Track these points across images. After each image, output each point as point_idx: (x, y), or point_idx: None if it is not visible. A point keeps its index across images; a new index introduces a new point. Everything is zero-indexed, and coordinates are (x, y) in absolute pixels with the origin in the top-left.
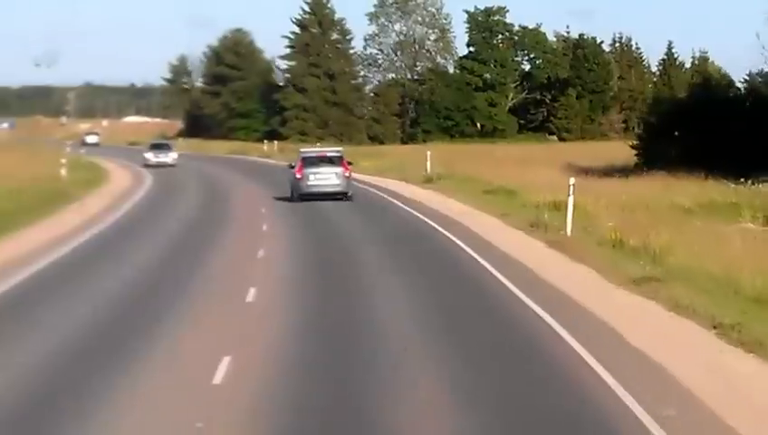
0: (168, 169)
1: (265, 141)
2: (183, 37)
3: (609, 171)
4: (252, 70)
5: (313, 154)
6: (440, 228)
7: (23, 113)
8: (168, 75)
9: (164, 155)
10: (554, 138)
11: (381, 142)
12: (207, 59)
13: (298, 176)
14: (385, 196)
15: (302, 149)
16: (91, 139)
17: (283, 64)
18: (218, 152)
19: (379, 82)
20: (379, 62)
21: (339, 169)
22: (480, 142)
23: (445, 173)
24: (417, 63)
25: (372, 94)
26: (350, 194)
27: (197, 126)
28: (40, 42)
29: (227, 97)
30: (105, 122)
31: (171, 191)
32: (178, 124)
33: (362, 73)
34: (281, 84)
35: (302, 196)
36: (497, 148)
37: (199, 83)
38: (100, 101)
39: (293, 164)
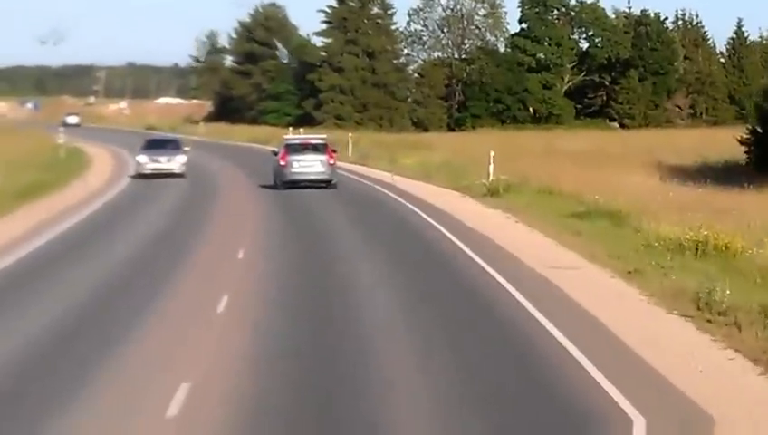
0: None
1: (291, 129)
2: (228, 14)
3: (713, 173)
4: (285, 47)
5: (297, 141)
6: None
7: (60, 93)
8: (196, 53)
9: (166, 159)
10: (615, 124)
11: (425, 129)
12: (237, 35)
13: (282, 163)
14: (438, 225)
15: (285, 136)
16: (71, 119)
17: (319, 41)
18: (240, 139)
19: (423, 61)
20: (424, 39)
21: (323, 157)
22: (533, 129)
23: (511, 179)
24: (465, 41)
25: (416, 75)
26: (334, 182)
27: (227, 109)
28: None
29: (258, 77)
30: (124, 104)
31: (141, 203)
32: (209, 106)
33: (405, 52)
34: (316, 63)
35: (285, 183)
36: (555, 136)
37: (230, 62)
38: (142, 81)
39: (277, 150)
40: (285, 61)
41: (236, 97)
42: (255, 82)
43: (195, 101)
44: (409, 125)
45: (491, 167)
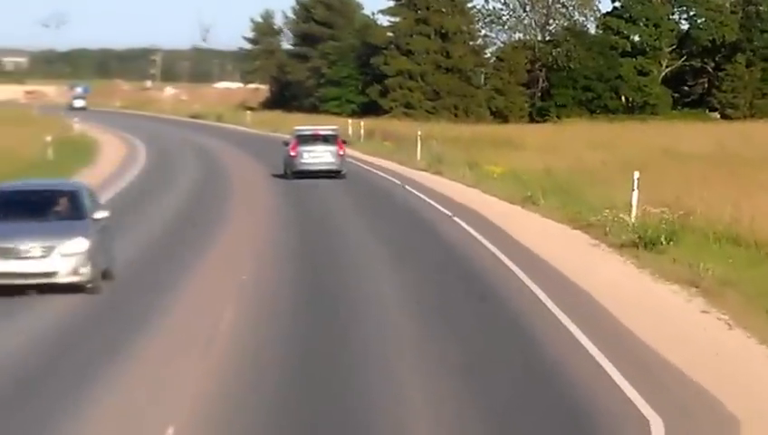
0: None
1: (350, 120)
2: None
3: None
4: (347, 28)
5: (308, 132)
6: None
7: (123, 77)
8: (251, 35)
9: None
10: (716, 114)
11: (504, 119)
12: (295, 15)
13: (292, 153)
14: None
15: (296, 127)
16: (78, 103)
17: (385, 21)
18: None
19: (503, 43)
20: (504, 19)
21: (333, 148)
22: (626, 120)
23: (666, 212)
24: (551, 21)
25: (495, 59)
26: (343, 172)
27: (283, 95)
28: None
29: (317, 61)
30: (169, 88)
31: None
32: (265, 92)
33: (482, 33)
34: (382, 45)
35: (295, 173)
36: (655, 129)
37: (287, 45)
38: (206, 65)
39: (288, 141)
40: (347, 42)
41: (293, 82)
42: (314, 65)
43: (251, 85)
44: (487, 115)
45: (634, 196)
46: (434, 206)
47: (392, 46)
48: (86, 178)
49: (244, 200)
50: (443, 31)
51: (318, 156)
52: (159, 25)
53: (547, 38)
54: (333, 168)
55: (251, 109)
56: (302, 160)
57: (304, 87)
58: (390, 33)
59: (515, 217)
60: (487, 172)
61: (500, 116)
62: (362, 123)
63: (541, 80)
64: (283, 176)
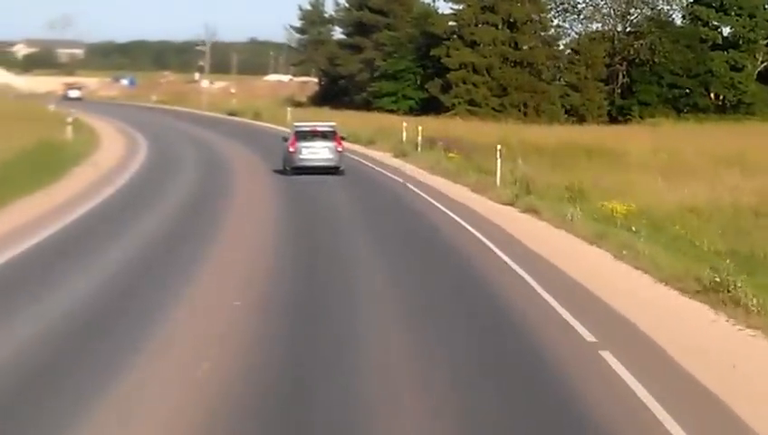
0: None
1: (404, 123)
2: None
3: None
4: (404, 16)
5: (307, 128)
6: None
7: (182, 70)
8: (299, 24)
9: None
10: None
11: (581, 118)
12: (347, 1)
13: (291, 149)
14: None
15: (295, 123)
16: (73, 93)
17: (447, 8)
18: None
19: (578, 34)
20: (579, 7)
21: (332, 144)
22: (718, 120)
23: None
24: (632, 11)
25: (569, 51)
26: (341, 168)
27: (333, 89)
28: None
29: (370, 52)
30: (206, 82)
31: None
32: (313, 85)
33: (555, 23)
34: (443, 36)
35: (294, 169)
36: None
37: (338, 34)
38: (263, 57)
39: (287, 137)
40: (405, 32)
41: (345, 76)
42: (367, 57)
43: (302, 78)
44: (561, 114)
45: None
46: (573, 326)
47: (455, 36)
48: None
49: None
50: (511, 20)
51: (316, 152)
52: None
53: (628, 29)
54: (332, 164)
55: (299, 104)
56: (301, 156)
57: (356, 81)
58: (453, 22)
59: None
60: (605, 212)
61: (575, 115)
62: (420, 128)
63: (621, 75)
64: (283, 172)
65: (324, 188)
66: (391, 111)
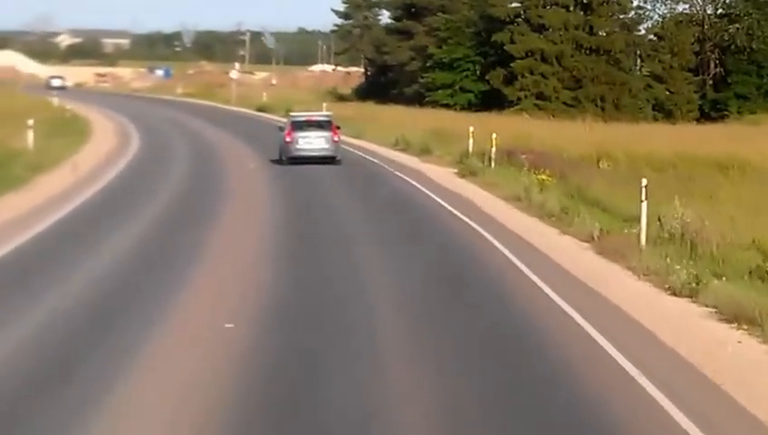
0: None
1: (471, 129)
2: None
3: None
4: None
5: (303, 118)
6: None
7: (226, 60)
8: (342, 9)
9: None
10: None
11: (668, 114)
12: None
13: (288, 139)
14: None
15: (291, 113)
16: (56, 82)
17: None
18: (381, 139)
19: (662, 17)
20: None
21: (328, 134)
22: None
23: None
24: None
25: (652, 37)
26: (338, 158)
27: (381, 81)
28: None
29: (422, 38)
30: (234, 72)
31: None
32: (359, 75)
33: (636, 4)
34: (506, 19)
35: (290, 159)
36: None
37: (386, 19)
38: (311, 47)
39: (283, 127)
40: (462, 15)
41: (393, 65)
42: (419, 44)
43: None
44: (647, 109)
45: None
46: None
47: (520, 20)
48: None
49: None
50: (585, 1)
51: (313, 142)
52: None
53: (720, 11)
54: (328, 153)
55: (341, 97)
56: (298, 146)
57: (407, 71)
58: (517, 4)
59: None
60: None
61: (660, 110)
62: (494, 136)
63: (713, 64)
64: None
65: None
66: (446, 106)
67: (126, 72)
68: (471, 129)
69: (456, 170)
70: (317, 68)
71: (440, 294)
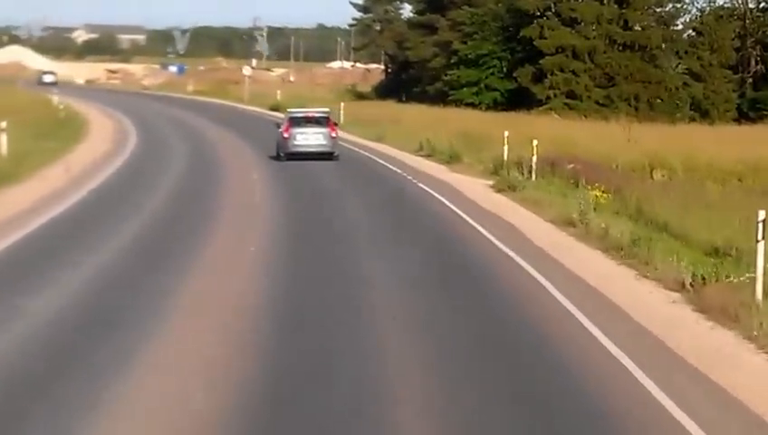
0: None
1: (506, 133)
2: None
3: None
4: None
5: (300, 114)
6: None
7: (246, 57)
8: (361, 1)
9: None
10: None
11: (704, 115)
12: None
13: (285, 136)
14: None
15: (289, 109)
16: (47, 78)
17: None
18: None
19: (700, 12)
20: None
21: (325, 130)
22: None
23: None
24: None
25: (690, 32)
26: (335, 154)
27: (402, 78)
28: None
29: (446, 33)
30: (248, 69)
31: None
32: (379, 73)
33: None
34: (535, 12)
35: (288, 155)
36: None
37: (407, 12)
38: (331, 43)
39: (280, 123)
40: (488, 9)
41: (415, 62)
42: (442, 39)
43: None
44: (684, 109)
45: None
46: None
47: (550, 13)
48: None
49: None
50: None
51: (310, 138)
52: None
53: (762, 4)
54: (326, 149)
55: (360, 96)
56: (295, 142)
57: (429, 68)
58: None
59: None
60: None
61: (696, 110)
62: (535, 144)
63: (754, 61)
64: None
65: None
66: (471, 105)
67: (138, 69)
68: (506, 133)
69: (490, 183)
70: (336, 65)
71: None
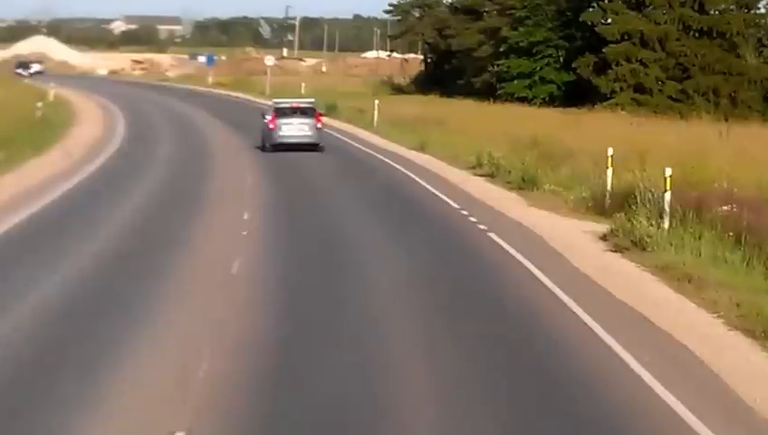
0: None
1: (610, 153)
2: None
3: None
4: None
5: (286, 105)
6: None
7: (278, 46)
8: None
9: None
10: None
11: None
12: None
13: (271, 126)
14: None
15: (275, 99)
16: (34, 67)
17: None
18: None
19: None
20: None
21: (311, 121)
22: None
23: None
24: None
25: None
26: (321, 145)
27: (443, 69)
28: None
29: (495, 19)
30: (270, 58)
31: None
32: (418, 63)
33: None
34: None
35: (273, 146)
36: None
37: None
38: (367, 34)
39: (266, 113)
40: None
41: (459, 51)
42: (490, 25)
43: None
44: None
45: None
46: None
47: None
48: None
49: None
50: None
51: (296, 129)
52: None
53: None
54: (311, 141)
55: (398, 89)
56: (281, 133)
57: (475, 58)
58: None
59: None
60: None
61: None
62: (668, 175)
63: None
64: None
65: None
66: (523, 100)
67: (165, 59)
68: (610, 151)
69: (594, 228)
70: (371, 54)
71: None
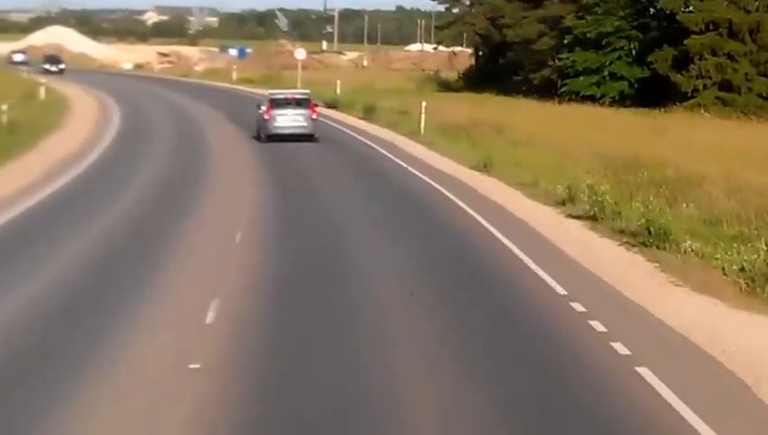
0: None
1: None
2: None
3: None
4: None
5: (281, 96)
6: None
7: (317, 39)
8: None
9: None
10: None
11: None
12: None
13: (266, 117)
14: None
15: (270, 91)
16: (17, 57)
17: None
18: (527, 179)
19: None
20: None
21: (306, 111)
22: None
23: None
24: None
25: None
26: (316, 136)
27: (496, 64)
28: None
29: (557, 7)
30: (301, 51)
31: None
32: (468, 57)
33: None
34: None
35: (268, 136)
36: None
37: None
38: (412, 26)
39: (261, 104)
40: None
41: (515, 44)
42: (551, 14)
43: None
44: None
45: None
46: None
47: None
48: None
49: None
50: None
51: (291, 120)
52: None
53: None
54: (306, 131)
55: (447, 86)
56: (276, 124)
57: (534, 51)
58: None
59: None
60: None
61: None
62: None
63: None
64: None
65: None
66: (590, 99)
67: (193, 52)
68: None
69: None
70: (415, 47)
71: None
